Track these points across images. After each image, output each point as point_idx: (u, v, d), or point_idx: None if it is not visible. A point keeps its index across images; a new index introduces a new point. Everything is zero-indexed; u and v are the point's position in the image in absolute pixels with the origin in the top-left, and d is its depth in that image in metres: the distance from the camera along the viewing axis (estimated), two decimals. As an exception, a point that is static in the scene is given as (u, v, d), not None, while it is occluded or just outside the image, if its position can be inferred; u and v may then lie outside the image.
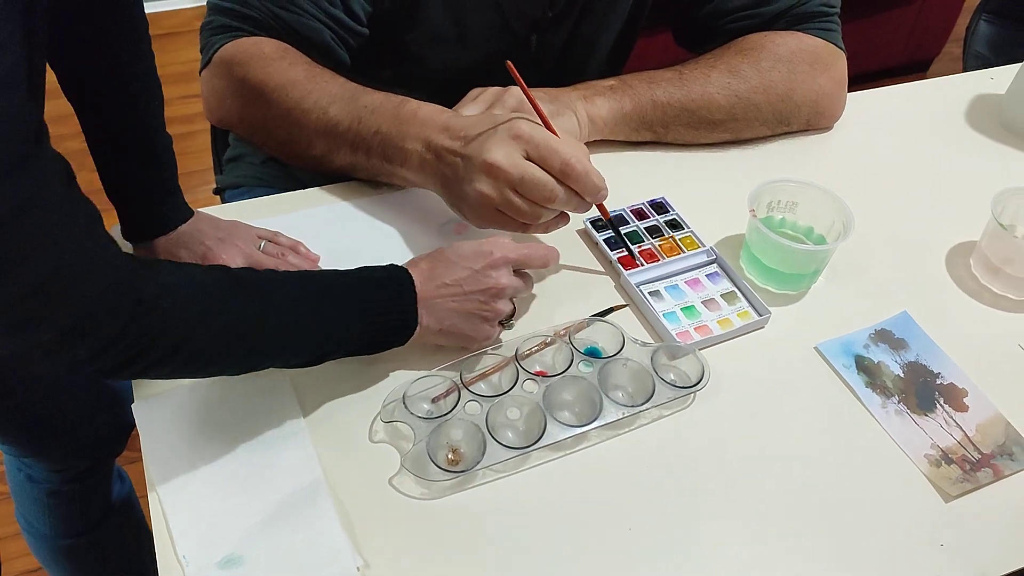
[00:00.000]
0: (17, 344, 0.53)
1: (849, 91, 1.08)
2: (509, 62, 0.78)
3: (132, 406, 0.72)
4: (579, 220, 0.90)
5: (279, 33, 0.93)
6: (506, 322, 0.79)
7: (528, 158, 0.77)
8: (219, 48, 0.92)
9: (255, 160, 1.15)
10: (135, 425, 1.15)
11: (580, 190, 0.78)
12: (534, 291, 0.84)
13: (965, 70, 1.85)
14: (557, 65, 1.09)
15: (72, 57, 0.73)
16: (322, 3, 0.92)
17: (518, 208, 0.78)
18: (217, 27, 0.93)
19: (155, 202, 0.81)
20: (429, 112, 0.85)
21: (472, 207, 0.81)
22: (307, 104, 0.88)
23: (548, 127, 0.79)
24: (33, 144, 0.49)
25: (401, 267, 0.74)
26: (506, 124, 0.78)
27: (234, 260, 0.82)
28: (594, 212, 0.88)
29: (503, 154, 0.77)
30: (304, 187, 0.94)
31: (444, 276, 0.73)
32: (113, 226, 0.85)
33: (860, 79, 2.57)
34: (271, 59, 0.90)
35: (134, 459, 1.29)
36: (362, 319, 0.70)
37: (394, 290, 0.72)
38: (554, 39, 1.07)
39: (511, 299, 0.78)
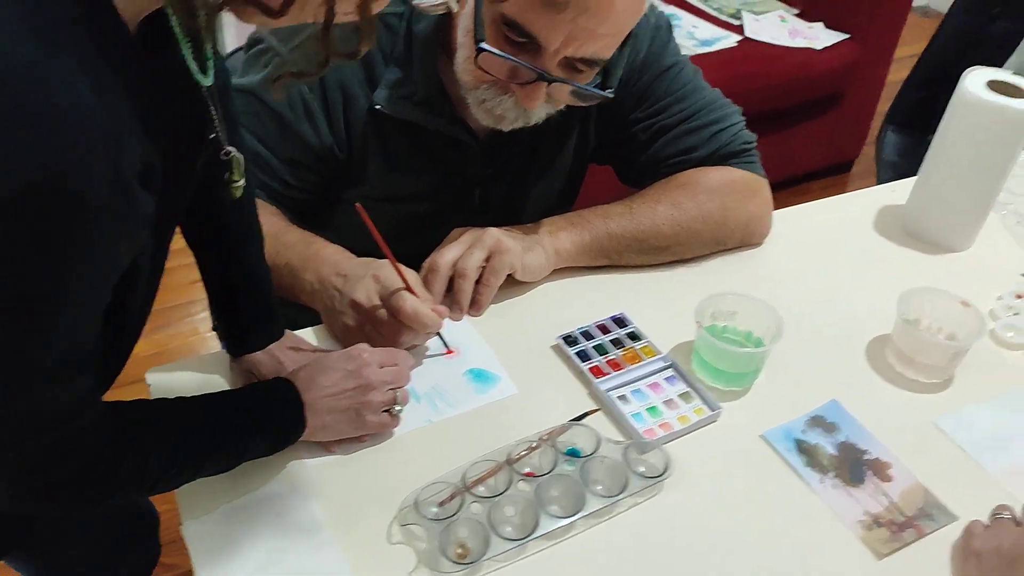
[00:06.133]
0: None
1: (776, 194, 1.23)
2: (358, 204, 0.92)
3: (181, 527, 0.82)
4: (553, 337, 1.04)
5: None
6: (393, 410, 0.91)
7: (381, 299, 0.94)
8: None
9: None
10: (159, 557, 1.24)
11: (412, 327, 0.94)
12: (521, 401, 0.97)
13: (878, 176, 2.07)
14: (502, 211, 1.22)
15: (196, 221, 0.87)
16: (259, 175, 1.08)
17: (375, 338, 0.96)
18: None
19: (254, 326, 0.95)
20: (328, 252, 1.03)
21: (342, 331, 0.99)
22: None
23: (399, 273, 0.94)
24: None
25: (286, 379, 0.86)
26: (374, 269, 0.96)
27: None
28: (566, 328, 1.05)
29: (364, 295, 0.96)
30: None
31: (322, 380, 0.86)
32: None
33: (788, 183, 2.82)
34: None
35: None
36: (259, 433, 0.82)
37: (281, 403, 0.84)
38: (496, 191, 1.21)
39: (391, 390, 0.90)
